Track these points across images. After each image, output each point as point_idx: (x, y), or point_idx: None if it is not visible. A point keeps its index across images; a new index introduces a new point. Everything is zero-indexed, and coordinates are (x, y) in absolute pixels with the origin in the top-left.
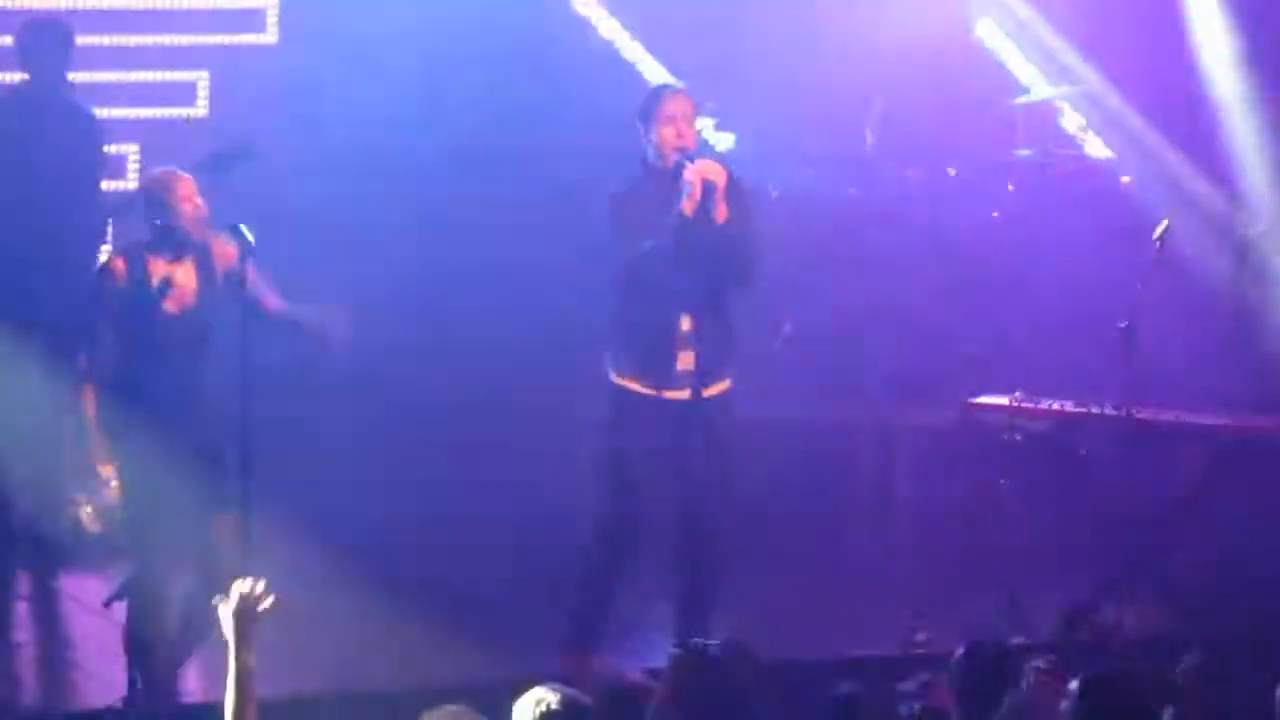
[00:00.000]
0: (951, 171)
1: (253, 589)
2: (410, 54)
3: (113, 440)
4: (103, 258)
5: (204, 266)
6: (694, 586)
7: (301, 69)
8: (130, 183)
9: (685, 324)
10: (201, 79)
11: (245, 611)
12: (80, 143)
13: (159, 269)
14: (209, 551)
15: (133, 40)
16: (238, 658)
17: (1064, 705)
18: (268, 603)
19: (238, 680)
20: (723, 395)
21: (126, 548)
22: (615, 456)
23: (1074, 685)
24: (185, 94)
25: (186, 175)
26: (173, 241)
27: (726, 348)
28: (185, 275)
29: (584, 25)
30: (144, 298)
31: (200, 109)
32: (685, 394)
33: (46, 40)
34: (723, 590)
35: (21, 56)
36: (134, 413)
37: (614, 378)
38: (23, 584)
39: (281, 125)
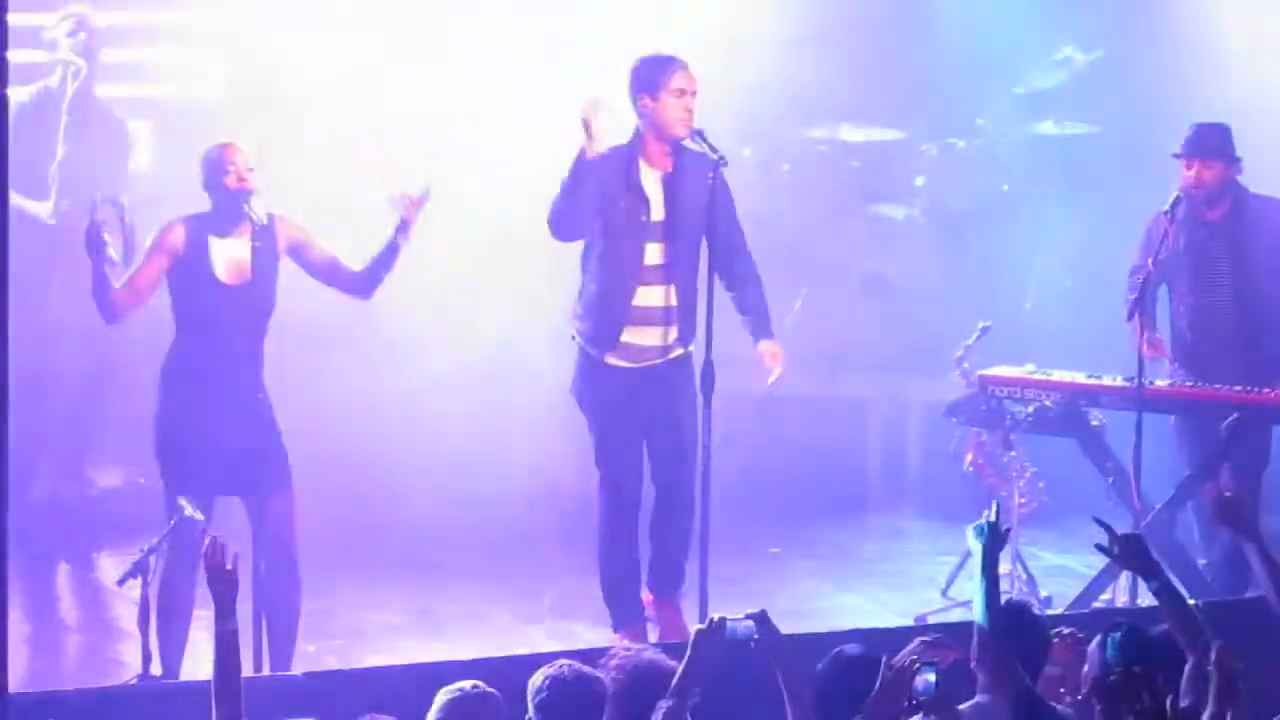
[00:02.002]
0: (960, 144)
1: (217, 551)
2: None
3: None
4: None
5: (262, 239)
6: (658, 548)
7: None
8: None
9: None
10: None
11: (216, 576)
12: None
13: (215, 240)
14: (264, 528)
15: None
16: (218, 623)
17: (1086, 668)
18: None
19: (219, 648)
20: (683, 360)
21: (165, 504)
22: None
23: (1093, 644)
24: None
25: (238, 145)
26: (228, 213)
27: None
28: (240, 247)
29: None
30: (198, 267)
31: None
32: (647, 361)
33: None
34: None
35: None
36: (191, 385)
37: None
38: (39, 562)
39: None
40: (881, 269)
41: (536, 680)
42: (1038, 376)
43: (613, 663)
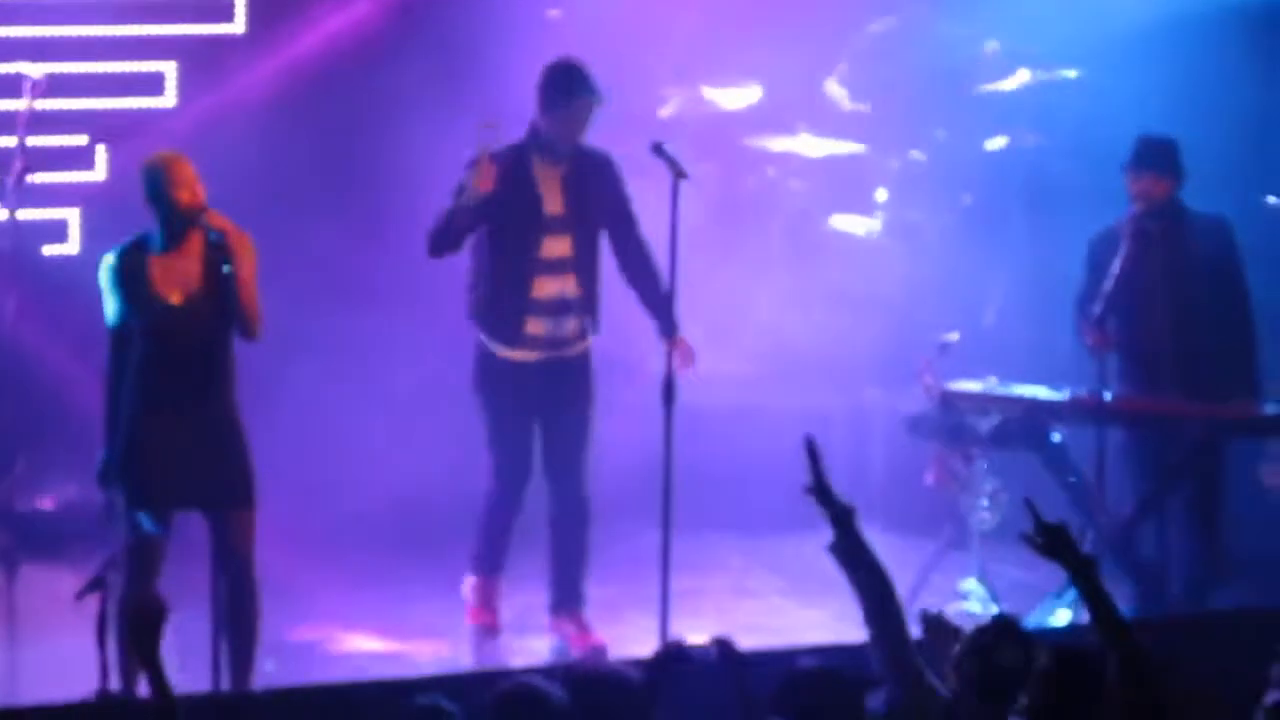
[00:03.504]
0: (921, 157)
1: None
2: None
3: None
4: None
5: (211, 252)
6: (555, 565)
7: None
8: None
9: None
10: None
11: (140, 626)
12: None
13: (158, 259)
14: (224, 544)
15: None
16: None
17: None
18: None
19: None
20: (582, 355)
21: (125, 518)
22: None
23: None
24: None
25: (184, 159)
26: (172, 229)
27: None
28: (186, 260)
29: None
30: (141, 290)
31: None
32: (539, 354)
33: None
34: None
35: None
36: (150, 403)
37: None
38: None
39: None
40: (842, 281)
41: (493, 696)
42: (999, 391)
43: (572, 675)
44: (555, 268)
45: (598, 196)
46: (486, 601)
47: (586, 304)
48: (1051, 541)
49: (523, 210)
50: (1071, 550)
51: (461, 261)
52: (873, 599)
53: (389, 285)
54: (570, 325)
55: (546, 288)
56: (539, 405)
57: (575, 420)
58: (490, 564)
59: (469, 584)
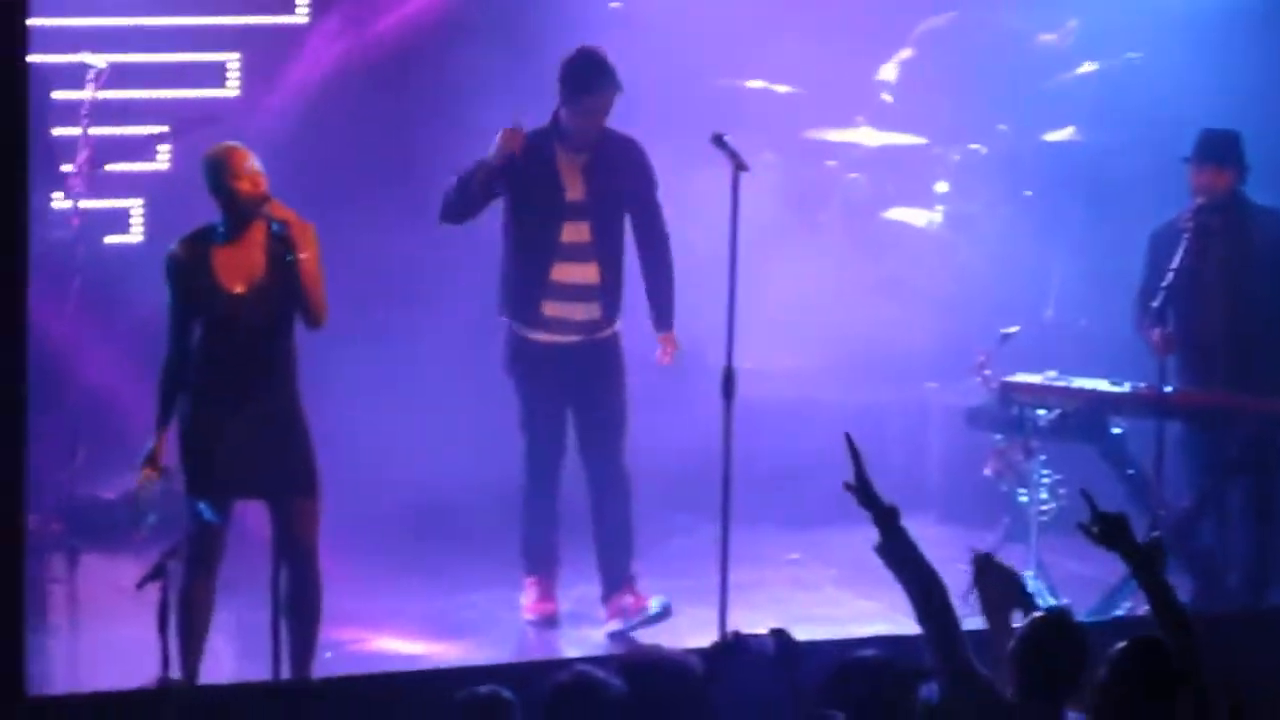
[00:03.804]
0: (982, 149)
1: None
2: None
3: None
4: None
5: (273, 242)
6: (600, 552)
7: None
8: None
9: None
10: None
11: None
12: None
13: (221, 249)
14: (286, 534)
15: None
16: None
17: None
18: None
19: None
20: (610, 340)
21: (186, 508)
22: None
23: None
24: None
25: (245, 150)
26: (234, 219)
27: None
28: (250, 251)
29: None
30: (206, 280)
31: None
32: (567, 338)
33: None
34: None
35: None
36: (211, 393)
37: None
38: (58, 564)
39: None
40: (901, 274)
41: (551, 686)
42: (1059, 383)
43: (629, 664)
44: (575, 253)
45: (621, 183)
46: (545, 594)
47: (608, 290)
48: (1109, 531)
49: (543, 195)
50: (1130, 540)
51: None
52: (921, 596)
53: (449, 277)
54: (594, 310)
55: (566, 273)
56: (571, 389)
57: (609, 402)
58: (540, 556)
59: (527, 584)
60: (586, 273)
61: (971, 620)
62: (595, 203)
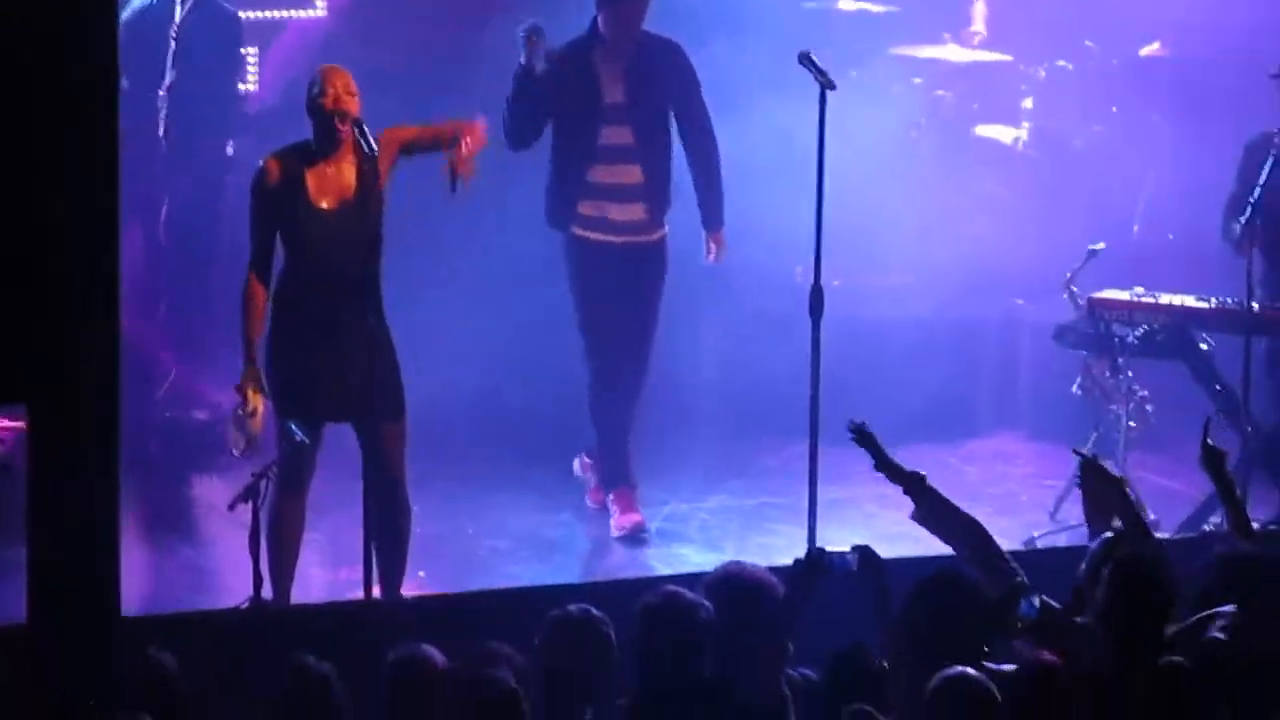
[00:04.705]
0: (1069, 66)
1: None
2: None
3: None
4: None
5: (366, 160)
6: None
7: None
8: (251, 85)
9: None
10: None
11: None
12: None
13: (314, 165)
14: (375, 457)
15: None
16: None
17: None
18: None
19: None
20: (658, 245)
21: (276, 429)
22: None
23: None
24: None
25: (340, 70)
26: (325, 138)
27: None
28: (341, 172)
29: None
30: (296, 198)
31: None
32: (616, 238)
33: None
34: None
35: None
36: (299, 314)
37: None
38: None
39: None
40: (988, 191)
41: (642, 606)
42: (1146, 300)
43: (716, 582)
44: (616, 155)
45: (663, 86)
46: (627, 506)
47: (653, 191)
48: (1207, 458)
49: (581, 100)
50: (1219, 472)
51: None
52: (971, 550)
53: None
54: (635, 211)
55: (605, 174)
56: (615, 288)
57: (646, 305)
58: (617, 469)
59: (579, 463)
60: (628, 174)
61: (1050, 537)
62: (636, 106)
